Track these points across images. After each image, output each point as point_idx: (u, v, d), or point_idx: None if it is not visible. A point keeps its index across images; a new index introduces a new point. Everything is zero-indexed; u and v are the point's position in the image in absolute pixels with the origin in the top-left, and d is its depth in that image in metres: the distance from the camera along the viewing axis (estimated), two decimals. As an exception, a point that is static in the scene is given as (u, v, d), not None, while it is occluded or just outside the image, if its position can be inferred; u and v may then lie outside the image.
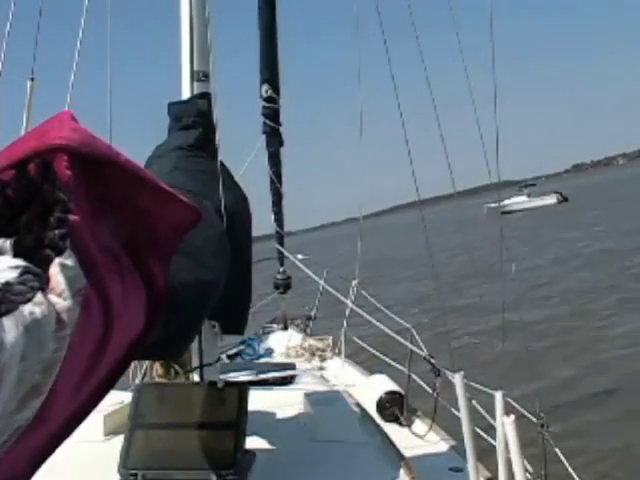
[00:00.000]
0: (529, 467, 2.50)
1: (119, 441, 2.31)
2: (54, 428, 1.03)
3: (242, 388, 2.37)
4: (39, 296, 0.88)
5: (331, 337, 5.38)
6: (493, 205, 53.54)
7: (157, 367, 3.04)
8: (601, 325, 10.09)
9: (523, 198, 60.90)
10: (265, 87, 5.08)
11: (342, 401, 2.98)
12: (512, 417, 2.01)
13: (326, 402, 2.94)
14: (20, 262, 0.91)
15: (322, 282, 4.71)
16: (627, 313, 10.48)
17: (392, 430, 2.97)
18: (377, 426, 2.83)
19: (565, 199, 56.05)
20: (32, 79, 3.19)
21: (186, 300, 1.74)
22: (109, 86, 3.51)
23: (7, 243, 0.95)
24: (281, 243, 5.80)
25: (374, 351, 5.00)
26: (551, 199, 57.49)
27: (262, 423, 2.68)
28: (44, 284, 0.92)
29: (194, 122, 2.72)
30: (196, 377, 2.69)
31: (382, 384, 3.54)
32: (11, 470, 0.95)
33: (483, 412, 2.86)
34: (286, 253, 5.61)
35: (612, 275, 14.29)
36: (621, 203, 35.14)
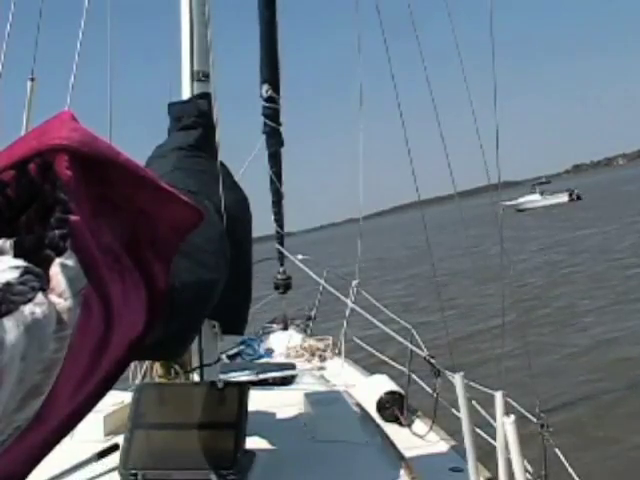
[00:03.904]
0: (529, 467, 2.50)
1: (119, 441, 2.32)
2: (53, 427, 1.03)
3: (242, 388, 2.37)
4: (40, 296, 0.88)
5: (331, 337, 5.38)
6: (508, 203, 54.75)
7: (157, 367, 3.03)
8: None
9: (536, 196, 61.46)
10: (265, 87, 5.07)
11: (342, 401, 2.98)
12: (512, 417, 2.00)
13: (326, 402, 2.94)
14: (21, 262, 0.91)
15: (322, 282, 4.71)
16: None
17: (392, 430, 2.97)
18: (377, 426, 2.83)
19: (578, 197, 56.41)
20: (32, 79, 3.19)
21: (186, 300, 1.74)
22: (109, 86, 3.51)
23: (8, 243, 0.95)
24: (281, 243, 5.80)
25: (374, 351, 5.00)
26: (563, 197, 57.87)
27: (262, 423, 2.68)
28: (45, 284, 0.92)
29: (194, 122, 2.72)
30: (196, 377, 2.69)
31: (382, 384, 3.54)
32: (9, 469, 0.95)
33: (483, 412, 2.86)
34: (286, 253, 5.60)
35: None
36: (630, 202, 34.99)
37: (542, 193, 62.17)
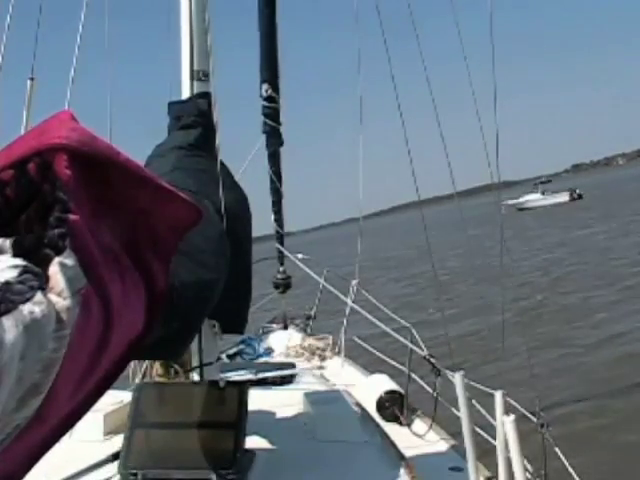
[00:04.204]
0: (529, 466, 2.50)
1: (119, 440, 2.32)
2: (52, 426, 1.03)
3: (242, 388, 2.37)
4: (39, 295, 0.88)
5: (331, 336, 5.38)
6: (510, 202, 55.15)
7: (157, 366, 3.04)
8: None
9: (538, 195, 61.72)
10: (265, 86, 5.08)
11: (342, 401, 2.98)
12: (512, 416, 2.00)
13: (326, 402, 2.94)
14: (20, 261, 0.91)
15: (322, 281, 4.71)
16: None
17: (392, 430, 2.97)
18: (377, 426, 2.83)
19: (580, 197, 56.59)
20: (32, 79, 3.19)
21: (186, 300, 1.74)
22: (109, 85, 3.52)
23: (7, 242, 0.95)
24: (281, 242, 5.81)
25: (374, 350, 5.00)
26: (565, 197, 58.05)
27: (262, 422, 2.68)
28: (44, 283, 0.92)
29: (194, 121, 2.72)
30: (196, 376, 2.69)
31: (382, 384, 3.54)
32: (8, 468, 0.95)
33: (483, 411, 2.86)
34: (286, 253, 5.61)
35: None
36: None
37: (543, 192, 62.38)
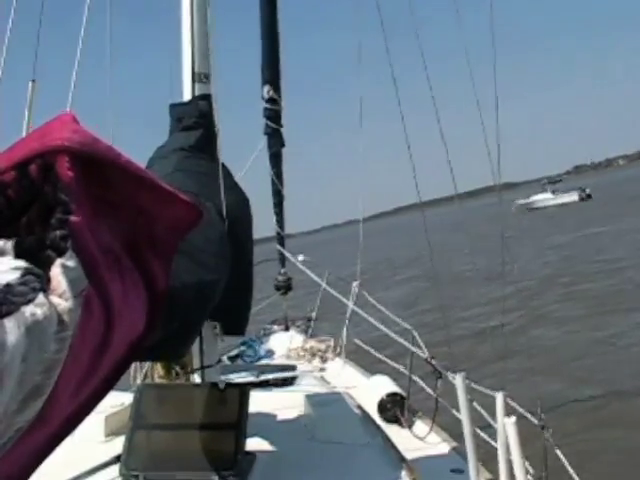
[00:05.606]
0: (530, 468, 2.49)
1: (120, 442, 2.32)
2: (54, 428, 1.03)
3: (243, 389, 2.37)
4: (40, 297, 0.88)
5: (332, 338, 5.38)
6: (521, 202, 55.27)
7: (158, 368, 3.04)
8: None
9: (548, 195, 61.77)
10: (266, 88, 5.08)
11: (343, 402, 2.98)
12: (513, 418, 2.00)
13: (327, 403, 2.94)
14: (21, 263, 0.91)
15: (323, 283, 4.71)
16: None
17: (393, 431, 2.97)
18: (378, 427, 2.82)
19: (589, 196, 56.67)
20: (33, 81, 3.19)
21: (187, 301, 1.74)
22: (109, 87, 3.52)
23: (8, 244, 0.96)
24: (282, 244, 5.81)
25: (375, 352, 4.99)
26: (574, 196, 58.08)
27: (263, 424, 2.68)
28: (45, 285, 0.92)
29: (195, 123, 2.73)
30: (197, 378, 2.69)
31: (383, 385, 3.53)
32: (10, 470, 0.95)
33: (484, 413, 2.86)
34: (287, 254, 5.61)
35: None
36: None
37: (554, 192, 62.37)
